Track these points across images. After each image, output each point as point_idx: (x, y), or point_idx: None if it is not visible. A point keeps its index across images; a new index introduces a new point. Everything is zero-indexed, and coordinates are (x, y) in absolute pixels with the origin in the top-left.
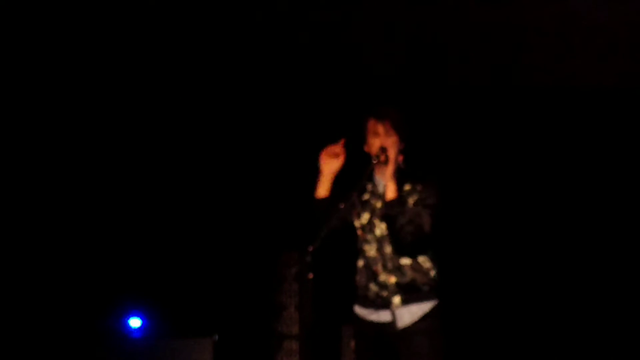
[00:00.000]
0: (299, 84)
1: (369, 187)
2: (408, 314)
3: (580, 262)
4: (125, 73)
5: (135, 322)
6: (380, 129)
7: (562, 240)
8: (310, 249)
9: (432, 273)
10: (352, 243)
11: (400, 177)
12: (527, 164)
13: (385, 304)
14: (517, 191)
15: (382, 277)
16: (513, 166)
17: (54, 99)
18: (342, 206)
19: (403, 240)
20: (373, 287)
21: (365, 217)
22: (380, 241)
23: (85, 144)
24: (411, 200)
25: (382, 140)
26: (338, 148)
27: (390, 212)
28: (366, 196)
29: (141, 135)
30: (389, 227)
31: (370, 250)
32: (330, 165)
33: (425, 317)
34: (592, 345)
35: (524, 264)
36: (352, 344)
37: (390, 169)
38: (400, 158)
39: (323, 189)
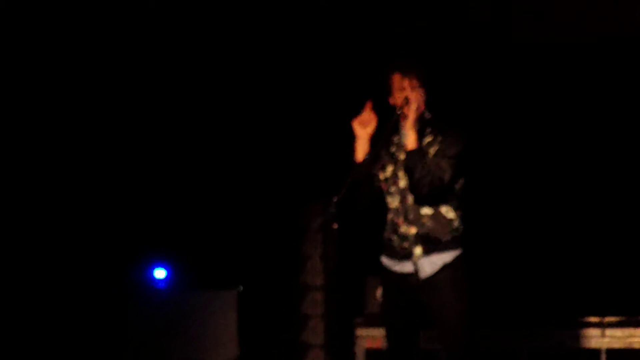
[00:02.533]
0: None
1: (396, 139)
2: (429, 265)
3: (598, 213)
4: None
5: (160, 274)
6: (406, 83)
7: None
8: (335, 199)
9: (455, 223)
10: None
11: (422, 128)
12: (559, 118)
13: (408, 255)
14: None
15: (403, 228)
16: (544, 121)
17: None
18: (365, 160)
19: (421, 191)
20: (395, 238)
21: (389, 169)
22: (402, 193)
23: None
24: (432, 151)
25: (408, 93)
26: (367, 114)
27: (410, 164)
28: (393, 148)
29: (165, 97)
30: (408, 178)
31: (394, 202)
32: (363, 129)
33: (446, 267)
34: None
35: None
36: (379, 293)
37: (410, 119)
38: (422, 108)
39: (361, 152)
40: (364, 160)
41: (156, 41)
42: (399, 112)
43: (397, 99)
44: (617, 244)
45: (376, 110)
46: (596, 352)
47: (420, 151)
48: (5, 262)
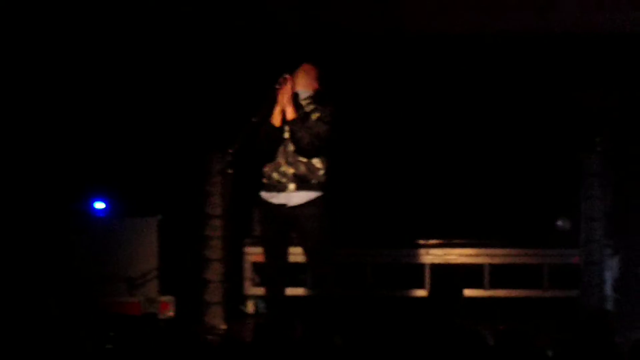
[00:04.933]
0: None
1: (294, 97)
2: (297, 198)
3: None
4: None
5: (99, 205)
6: (300, 69)
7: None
8: (231, 151)
9: (322, 172)
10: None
11: (312, 99)
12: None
13: (283, 189)
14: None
15: (283, 168)
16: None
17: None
18: (256, 119)
19: (301, 145)
20: (275, 175)
21: (276, 121)
22: (286, 142)
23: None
24: (314, 117)
25: (292, 75)
26: (286, 85)
27: (292, 128)
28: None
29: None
30: (291, 135)
31: (279, 148)
32: (281, 96)
33: (310, 203)
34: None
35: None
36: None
37: (286, 96)
38: (315, 86)
39: (271, 114)
40: (258, 120)
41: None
42: (277, 87)
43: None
44: (438, 185)
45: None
46: (422, 266)
47: (300, 118)
48: None
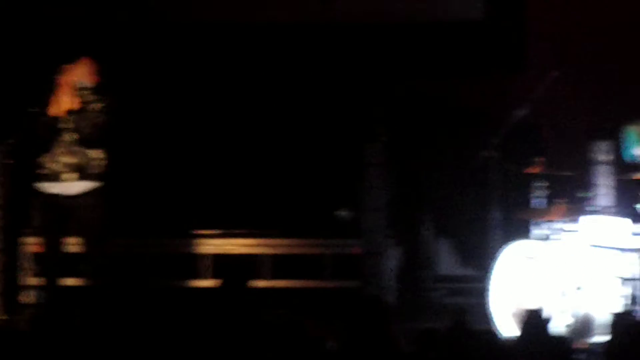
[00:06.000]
0: None
1: (74, 87)
2: (75, 188)
3: None
4: None
5: None
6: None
7: None
8: (10, 142)
9: (100, 162)
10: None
11: (88, 91)
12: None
13: (61, 179)
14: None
15: (62, 158)
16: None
17: None
18: (35, 109)
19: (81, 136)
20: (54, 165)
21: (56, 111)
22: (64, 132)
23: None
24: (94, 107)
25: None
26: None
27: (72, 118)
28: (67, 100)
29: None
30: (70, 125)
31: (58, 138)
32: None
33: (89, 193)
34: None
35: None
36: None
37: (66, 87)
38: (95, 77)
39: (57, 107)
40: (37, 110)
41: None
42: (56, 77)
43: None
44: (220, 175)
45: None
46: (203, 256)
47: (80, 109)
48: None
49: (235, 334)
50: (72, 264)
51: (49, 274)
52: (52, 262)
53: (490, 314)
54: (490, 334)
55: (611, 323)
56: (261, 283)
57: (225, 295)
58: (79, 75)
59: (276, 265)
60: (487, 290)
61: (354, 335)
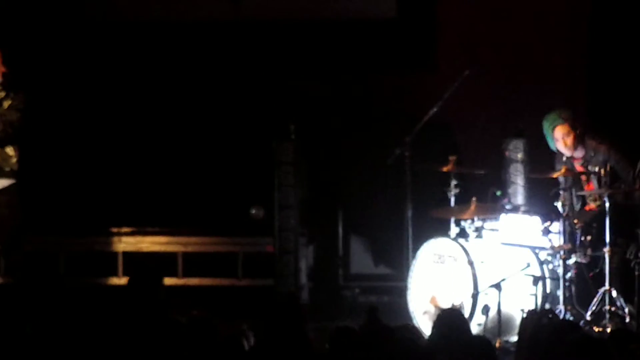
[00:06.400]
0: None
1: None
2: None
3: None
4: None
5: None
6: None
7: None
8: None
9: (14, 160)
10: None
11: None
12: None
13: None
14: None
15: None
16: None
17: None
18: None
19: None
20: None
21: None
22: None
23: None
24: (6, 104)
25: None
26: None
27: None
28: None
29: None
30: None
31: None
32: None
33: (3, 191)
34: None
35: None
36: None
37: None
38: (2, 69)
39: None
40: None
41: None
42: None
43: None
44: (132, 172)
45: None
46: (116, 254)
47: None
48: None
49: (145, 333)
50: None
51: None
52: None
53: (411, 313)
54: (406, 332)
55: (521, 322)
56: (172, 281)
57: (134, 294)
58: None
59: (188, 263)
60: (407, 288)
61: (268, 334)
